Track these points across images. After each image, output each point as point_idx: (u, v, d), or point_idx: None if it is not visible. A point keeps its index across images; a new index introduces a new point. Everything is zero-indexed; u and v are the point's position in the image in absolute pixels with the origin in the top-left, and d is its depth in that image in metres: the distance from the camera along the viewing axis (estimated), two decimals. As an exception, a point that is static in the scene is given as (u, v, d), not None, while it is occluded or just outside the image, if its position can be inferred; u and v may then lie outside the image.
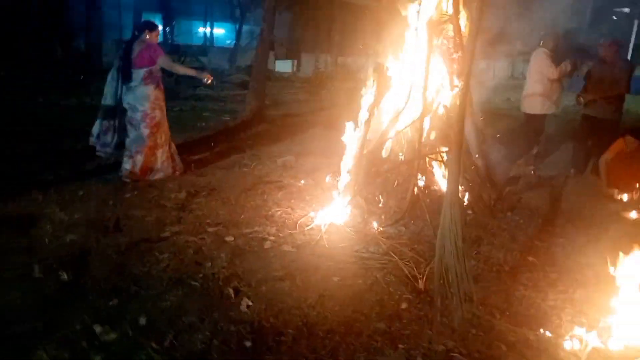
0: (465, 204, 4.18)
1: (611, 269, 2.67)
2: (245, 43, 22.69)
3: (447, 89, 4.29)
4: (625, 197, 4.97)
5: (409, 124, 4.20)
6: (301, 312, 2.58)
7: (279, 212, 4.15)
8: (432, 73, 4.07)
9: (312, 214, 4.04)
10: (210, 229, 3.72)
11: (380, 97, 4.16)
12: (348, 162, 4.24)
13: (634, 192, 4.94)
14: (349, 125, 4.28)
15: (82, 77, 11.98)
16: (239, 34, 21.90)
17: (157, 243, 3.42)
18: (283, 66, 22.57)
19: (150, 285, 2.83)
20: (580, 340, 2.35)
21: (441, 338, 2.37)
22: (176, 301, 2.66)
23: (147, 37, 4.76)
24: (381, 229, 3.79)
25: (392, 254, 3.27)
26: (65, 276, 2.87)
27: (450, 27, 4.10)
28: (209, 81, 5.06)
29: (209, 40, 24.58)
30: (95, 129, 4.81)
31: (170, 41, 20.69)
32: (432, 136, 4.37)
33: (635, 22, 21.25)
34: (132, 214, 3.99)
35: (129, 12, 20.34)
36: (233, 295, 2.72)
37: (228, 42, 26.23)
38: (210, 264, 3.11)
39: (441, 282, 2.48)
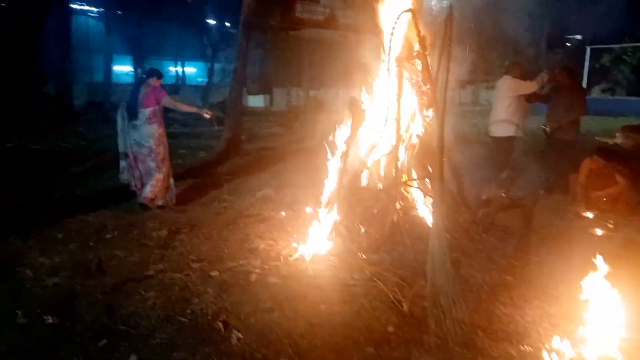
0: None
1: (582, 283, 2.82)
2: (218, 80, 22.96)
3: (419, 120, 4.51)
4: (591, 214, 5.23)
5: (384, 154, 4.37)
6: (292, 342, 2.63)
7: (262, 245, 4.20)
8: (404, 105, 4.28)
9: (295, 244, 4.11)
10: (194, 265, 3.74)
11: (356, 129, 4.34)
12: (328, 192, 4.36)
13: (600, 210, 5.21)
14: (329, 156, 4.42)
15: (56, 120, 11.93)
16: (211, 72, 22.17)
17: (142, 282, 3.42)
18: (256, 101, 22.88)
19: (139, 324, 2.83)
20: (558, 352, 2.47)
21: (414, 354, 2.45)
22: (166, 338, 2.67)
23: (154, 82, 5.23)
24: (364, 256, 3.88)
25: (376, 280, 3.36)
26: (50, 320, 2.85)
27: (418, 61, 4.35)
28: (209, 116, 5.52)
29: (181, 78, 24.77)
30: (122, 169, 5.35)
31: (140, 81, 20.81)
32: (407, 164, 4.55)
33: (587, 48, 22.51)
34: (114, 254, 3.98)
35: (99, 54, 20.40)
36: (223, 329, 2.75)
37: (200, 80, 26.47)
38: (197, 299, 3.14)
39: (433, 305, 2.57)
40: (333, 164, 4.43)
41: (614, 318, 2.62)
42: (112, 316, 2.91)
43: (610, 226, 4.80)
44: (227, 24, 22.58)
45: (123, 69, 22.55)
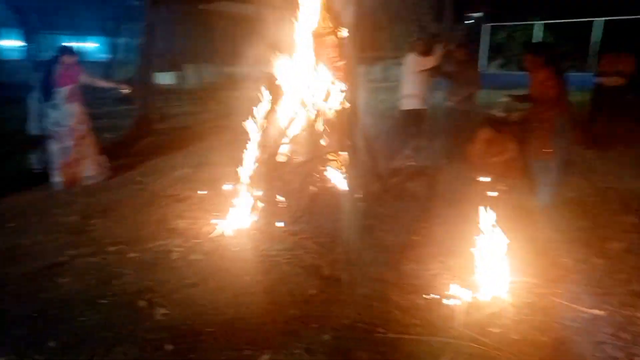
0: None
1: (478, 239, 3.19)
2: (122, 57, 21.52)
3: (335, 94, 4.68)
4: (487, 179, 5.80)
5: (302, 128, 4.50)
6: (218, 312, 2.72)
7: (182, 224, 4.18)
8: (319, 80, 4.41)
9: (216, 221, 4.15)
10: (111, 248, 3.65)
11: (274, 105, 4.41)
12: (248, 167, 4.41)
13: (495, 175, 5.79)
14: (248, 132, 4.46)
15: None
16: (114, 47, 20.69)
17: (56, 269, 3.28)
18: (165, 78, 21.81)
19: (57, 310, 2.75)
20: (457, 298, 2.81)
21: (346, 313, 2.67)
22: (88, 321, 2.63)
23: (67, 60, 5.20)
24: (285, 227, 4.02)
25: (297, 248, 3.52)
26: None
27: (332, 37, 4.48)
28: (128, 91, 5.98)
29: (81, 55, 22.93)
30: (35, 154, 5.45)
31: (34, 58, 18.85)
32: (324, 138, 4.73)
33: (485, 26, 24.15)
34: (20, 243, 3.75)
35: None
36: (147, 306, 2.76)
37: (102, 56, 24.63)
38: (117, 281, 3.09)
39: (348, 264, 2.78)
40: (252, 140, 4.47)
41: (503, 265, 3.03)
42: (27, 305, 2.79)
43: (504, 188, 5.36)
44: (130, -4, 21.11)
45: (11, 44, 20.32)
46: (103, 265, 3.33)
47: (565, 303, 2.78)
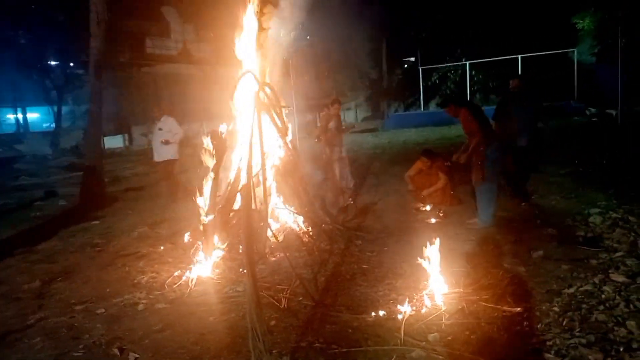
0: (311, 234, 4.99)
1: (420, 260, 3.61)
2: (68, 124, 21.43)
3: (278, 144, 5.14)
4: (428, 207, 6.35)
5: (248, 178, 4.88)
6: (186, 350, 2.96)
7: (145, 279, 4.38)
8: (264, 133, 4.85)
9: (177, 272, 4.38)
10: (78, 307, 3.80)
11: (220, 158, 4.79)
12: (204, 218, 4.71)
13: (434, 203, 6.36)
14: (201, 186, 4.78)
15: None
16: (58, 116, 20.61)
17: (24, 331, 3.41)
18: (113, 142, 21.80)
19: (30, 368, 2.89)
20: (400, 312, 3.19)
21: (303, 337, 2.99)
22: (63, 374, 2.79)
23: None
24: (244, 271, 4.30)
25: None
26: None
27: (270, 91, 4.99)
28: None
29: (23, 126, 22.52)
30: None
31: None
32: (272, 185, 5.13)
33: (420, 69, 25.90)
34: (-17, 313, 3.83)
35: None
36: (119, 354, 2.95)
37: (45, 125, 24.36)
38: (87, 335, 3.26)
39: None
40: (205, 193, 4.79)
41: (441, 280, 3.46)
42: (0, 367, 2.92)
43: (441, 214, 5.92)
44: (71, 64, 21.27)
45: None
46: (72, 323, 3.48)
47: (490, 305, 3.23)
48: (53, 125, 21.19)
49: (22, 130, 21.68)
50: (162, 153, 7.71)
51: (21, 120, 22.69)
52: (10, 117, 22.06)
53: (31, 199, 9.67)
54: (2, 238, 6.32)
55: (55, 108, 20.51)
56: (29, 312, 3.76)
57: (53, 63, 21.15)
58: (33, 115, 24.73)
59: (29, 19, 18.91)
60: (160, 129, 7.72)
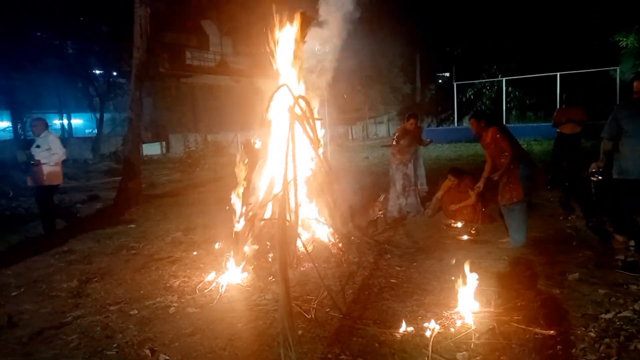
0: (340, 246, 5.00)
1: (452, 278, 3.57)
2: (108, 131, 22.21)
3: (311, 156, 5.20)
4: (459, 224, 6.26)
5: (283, 189, 4.95)
6: (215, 355, 3.01)
7: (177, 283, 4.48)
8: (297, 143, 4.92)
9: (209, 278, 4.46)
10: (112, 307, 3.92)
11: (252, 168, 4.89)
12: (237, 226, 4.79)
13: (465, 220, 6.27)
14: (234, 195, 4.87)
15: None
16: (100, 122, 21.39)
17: (61, 329, 3.54)
18: (151, 149, 22.49)
19: (67, 363, 3.00)
20: (427, 329, 3.15)
21: (330, 348, 2.99)
22: (96, 371, 2.89)
23: None
24: (273, 279, 4.35)
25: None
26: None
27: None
28: None
29: (67, 131, 23.47)
30: None
31: (23, 137, 19.39)
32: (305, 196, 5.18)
33: (454, 84, 25.68)
34: (24, 309, 4.00)
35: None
36: (150, 355, 3.03)
37: (88, 131, 25.32)
38: (121, 335, 3.36)
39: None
40: (238, 202, 4.88)
41: (472, 299, 3.41)
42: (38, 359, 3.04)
43: (473, 232, 5.82)
44: (114, 73, 22.11)
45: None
46: (106, 323, 3.59)
47: (522, 327, 3.15)
48: (95, 131, 21.97)
49: (67, 136, 22.59)
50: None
51: (66, 126, 23.64)
52: (57, 122, 23.02)
53: (71, 201, 10.06)
54: (41, 239, 6.59)
55: (98, 115, 21.27)
56: (66, 310, 3.91)
57: (97, 72, 22.05)
58: (77, 122, 25.77)
59: (75, 29, 19.81)
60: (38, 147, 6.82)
